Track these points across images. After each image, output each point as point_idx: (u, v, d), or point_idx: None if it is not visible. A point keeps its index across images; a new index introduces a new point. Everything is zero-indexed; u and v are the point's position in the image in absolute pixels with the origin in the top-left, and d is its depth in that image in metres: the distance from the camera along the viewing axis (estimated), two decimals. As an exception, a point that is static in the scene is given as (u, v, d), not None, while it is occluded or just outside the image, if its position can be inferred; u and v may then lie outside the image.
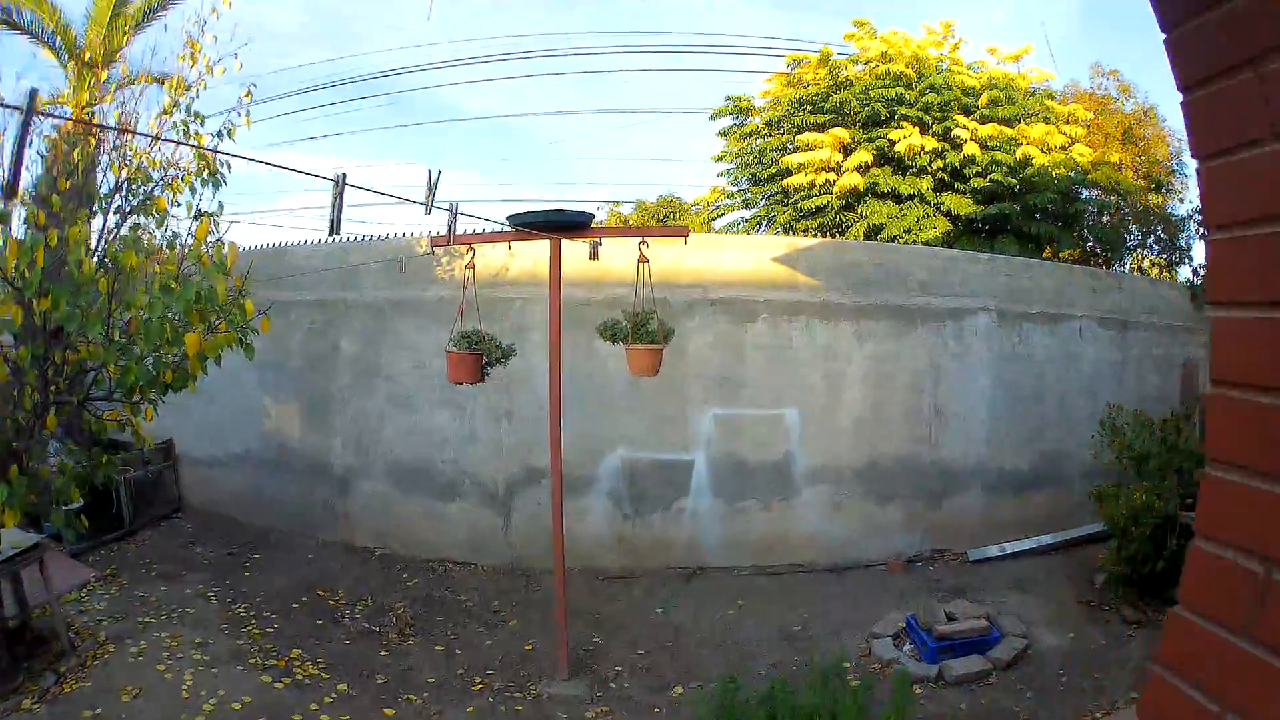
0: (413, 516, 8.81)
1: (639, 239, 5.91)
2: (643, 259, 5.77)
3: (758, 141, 14.24)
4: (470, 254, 6.15)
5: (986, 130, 12.05)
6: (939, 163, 12.19)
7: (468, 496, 8.69)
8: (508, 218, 5.86)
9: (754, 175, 14.25)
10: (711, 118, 14.67)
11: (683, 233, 6.62)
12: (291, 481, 9.40)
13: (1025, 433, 9.16)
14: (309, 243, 9.72)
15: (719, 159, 14.81)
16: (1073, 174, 12.61)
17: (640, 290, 5.73)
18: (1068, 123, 13.26)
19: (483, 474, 8.68)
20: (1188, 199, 15.04)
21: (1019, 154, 12.01)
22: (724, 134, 14.76)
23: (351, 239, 9.40)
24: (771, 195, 14.00)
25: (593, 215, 6.49)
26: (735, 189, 14.95)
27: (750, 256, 8.78)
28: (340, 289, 9.16)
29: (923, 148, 12.00)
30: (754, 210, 14.69)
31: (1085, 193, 13.75)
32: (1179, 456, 7.41)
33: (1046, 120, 12.90)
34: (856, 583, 8.06)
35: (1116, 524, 6.94)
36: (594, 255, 5.97)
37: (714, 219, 15.51)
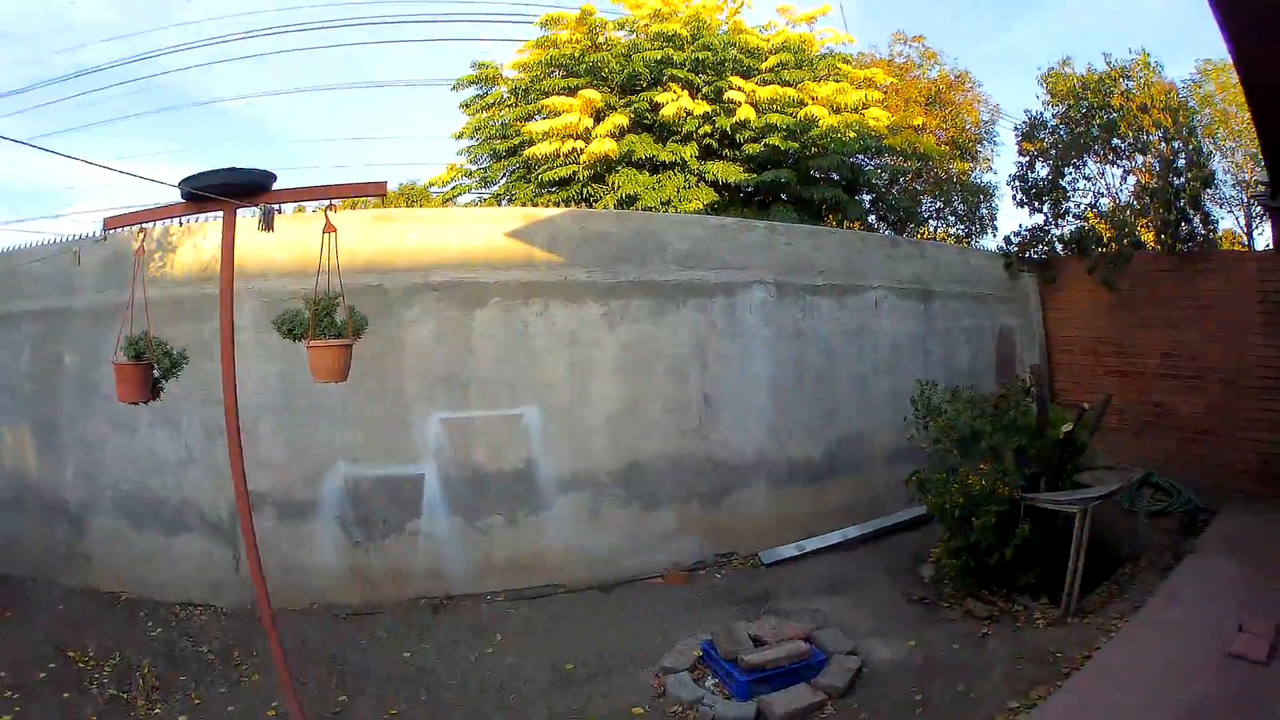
0: (148, 554, 7.15)
1: (326, 202, 4.37)
2: (329, 228, 4.13)
3: (503, 113, 12.46)
4: (140, 237, 4.76)
5: (767, 93, 10.82)
6: (707, 128, 10.84)
7: (194, 529, 7.00)
8: (179, 183, 4.11)
9: (495, 150, 12.46)
10: (454, 89, 12.73)
11: (380, 190, 4.97)
12: (34, 521, 7.60)
13: (815, 417, 7.95)
14: (38, 245, 7.88)
15: (460, 136, 12.93)
16: (866, 138, 11.56)
17: (326, 271, 4.09)
18: (862, 86, 12.28)
19: (204, 501, 6.98)
20: (997, 167, 14.55)
21: (802, 114, 10.83)
22: (466, 106, 12.83)
23: (78, 237, 7.79)
24: (514, 171, 12.21)
25: (274, 175, 4.71)
26: (475, 167, 12.96)
27: (480, 232, 7.11)
28: (63, 295, 7.46)
29: (690, 112, 10.60)
30: (494, 189, 12.76)
31: (879, 159, 12.89)
32: (1016, 435, 6.73)
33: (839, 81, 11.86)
34: (632, 602, 6.71)
35: (948, 512, 6.26)
36: (266, 225, 4.25)
37: (449, 201, 13.50)
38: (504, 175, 12.49)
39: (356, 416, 6.77)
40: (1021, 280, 10.37)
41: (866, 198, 13.11)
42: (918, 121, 12.95)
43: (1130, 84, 11.74)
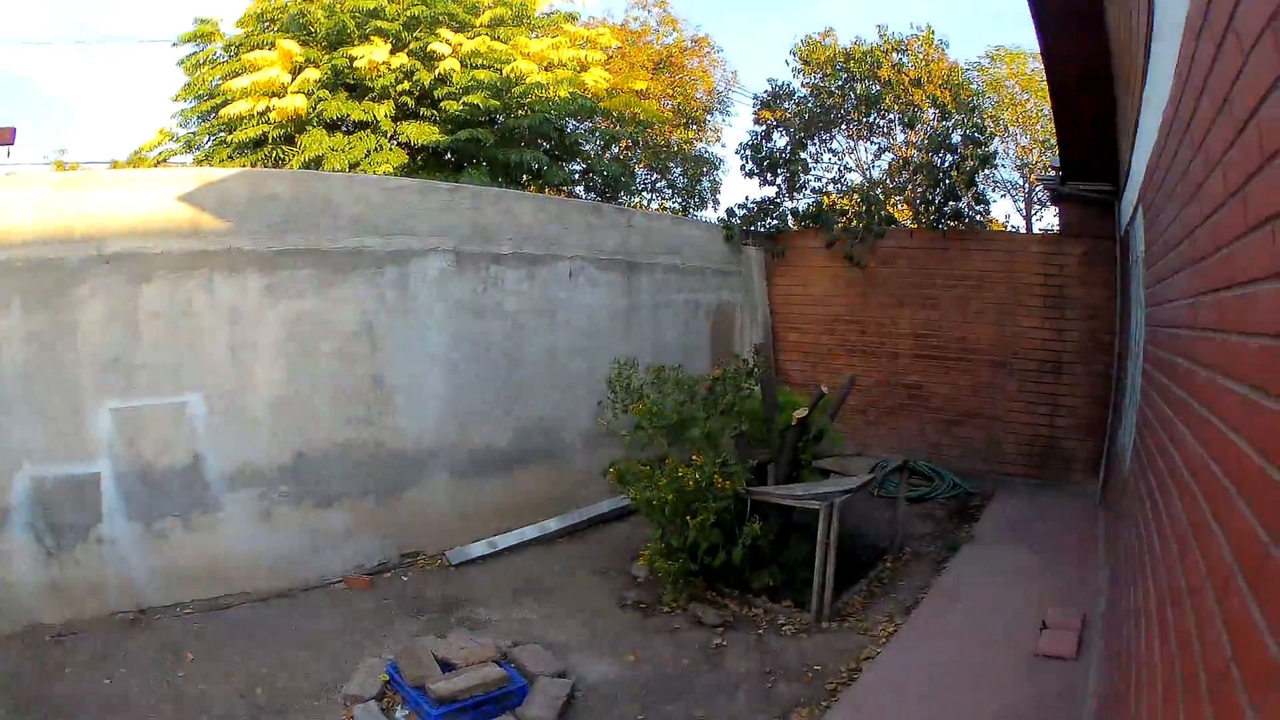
0: None
1: None
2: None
3: (214, 71, 11.46)
4: None
5: (474, 46, 10.34)
6: (406, 84, 10.30)
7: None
8: None
9: (202, 112, 11.52)
10: (174, 45, 11.62)
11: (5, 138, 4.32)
12: None
13: (502, 400, 7.56)
14: None
15: (177, 99, 11.80)
16: (580, 99, 11.23)
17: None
18: (584, 47, 11.93)
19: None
20: (729, 139, 14.54)
21: (508, 70, 10.40)
22: (182, 64, 11.73)
23: None
24: (217, 134, 11.34)
25: None
26: (184, 130, 11.93)
27: (151, 197, 6.31)
28: None
29: (387, 65, 10.03)
30: (196, 152, 11.77)
31: (593, 124, 12.61)
32: (736, 420, 6.30)
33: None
34: (317, 611, 6.13)
35: (656, 508, 5.76)
36: None
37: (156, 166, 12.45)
38: (209, 139, 11.53)
39: (38, 410, 5.93)
40: (745, 254, 10.27)
41: (577, 167, 12.71)
42: (639, 85, 12.66)
43: (904, 58, 11.78)
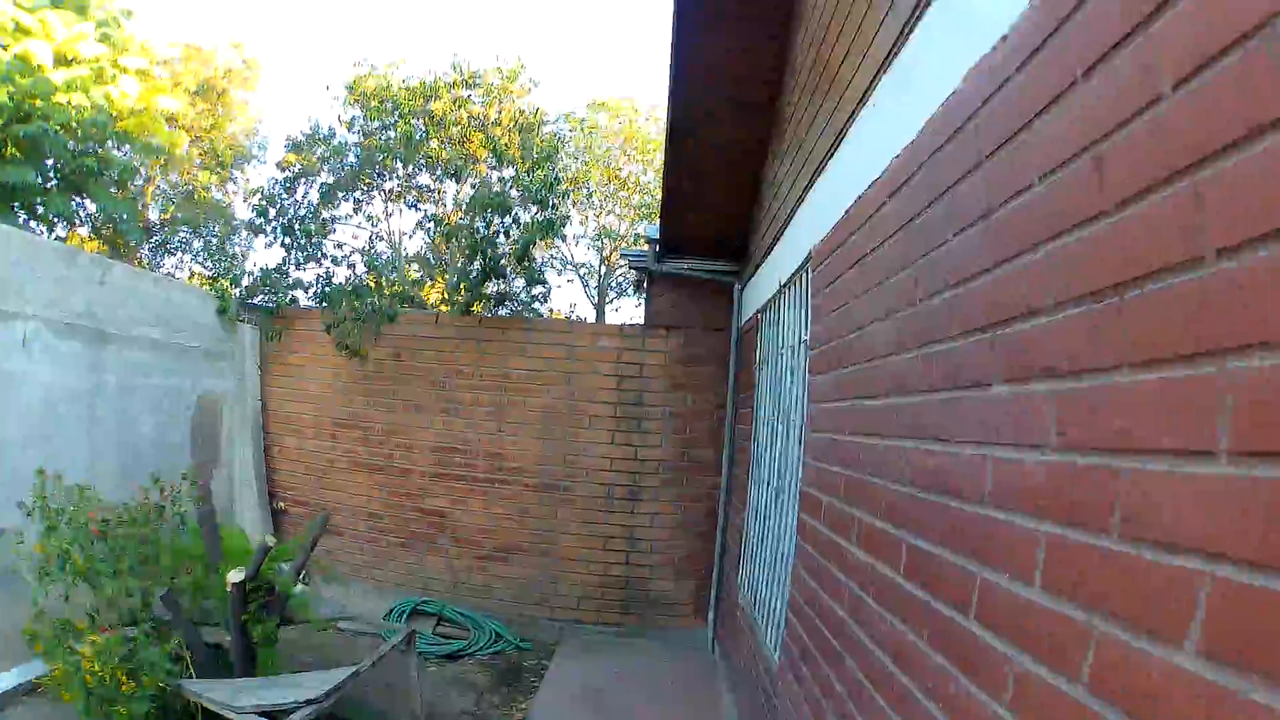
0: None
1: None
2: None
3: None
4: None
5: None
6: None
7: None
8: None
9: None
10: None
11: None
12: None
13: None
14: None
15: None
16: (95, 114, 8.58)
17: None
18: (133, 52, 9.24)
19: None
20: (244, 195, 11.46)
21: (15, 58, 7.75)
22: None
23: None
24: None
25: None
26: None
27: None
28: None
29: None
30: None
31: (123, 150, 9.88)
32: (160, 575, 4.74)
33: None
34: None
35: (78, 692, 4.00)
36: None
37: None
38: None
39: None
40: (240, 333, 8.09)
41: (90, 204, 9.92)
42: (167, 108, 10.01)
43: (472, 93, 9.75)
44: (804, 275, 4.16)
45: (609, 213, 14.96)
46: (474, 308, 8.02)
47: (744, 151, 5.61)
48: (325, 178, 9.23)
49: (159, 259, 11.81)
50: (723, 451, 6.85)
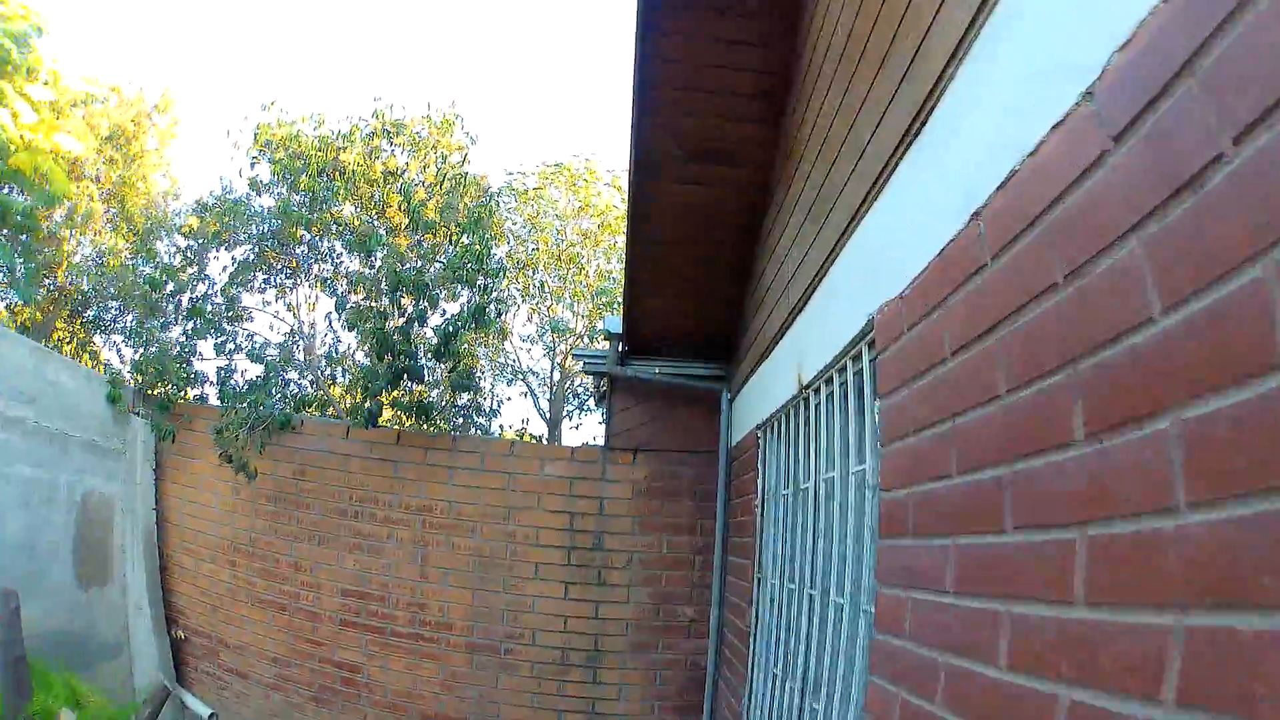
0: None
1: None
2: None
3: None
4: None
5: None
6: None
7: None
8: None
9: None
10: None
11: None
12: None
13: None
14: None
15: None
16: None
17: None
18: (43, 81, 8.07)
19: None
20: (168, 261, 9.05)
21: None
22: None
23: None
24: None
25: None
26: None
27: None
28: None
29: None
30: None
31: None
32: None
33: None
34: None
35: None
36: None
37: None
38: None
39: None
40: (134, 427, 7.14)
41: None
42: (68, 150, 8.75)
43: (392, 144, 8.24)
44: (852, 364, 2.78)
45: (560, 302, 12.37)
46: (380, 419, 6.62)
47: (735, 206, 4.51)
48: (238, 252, 8.11)
49: (91, 335, 10.60)
50: (711, 611, 5.53)
